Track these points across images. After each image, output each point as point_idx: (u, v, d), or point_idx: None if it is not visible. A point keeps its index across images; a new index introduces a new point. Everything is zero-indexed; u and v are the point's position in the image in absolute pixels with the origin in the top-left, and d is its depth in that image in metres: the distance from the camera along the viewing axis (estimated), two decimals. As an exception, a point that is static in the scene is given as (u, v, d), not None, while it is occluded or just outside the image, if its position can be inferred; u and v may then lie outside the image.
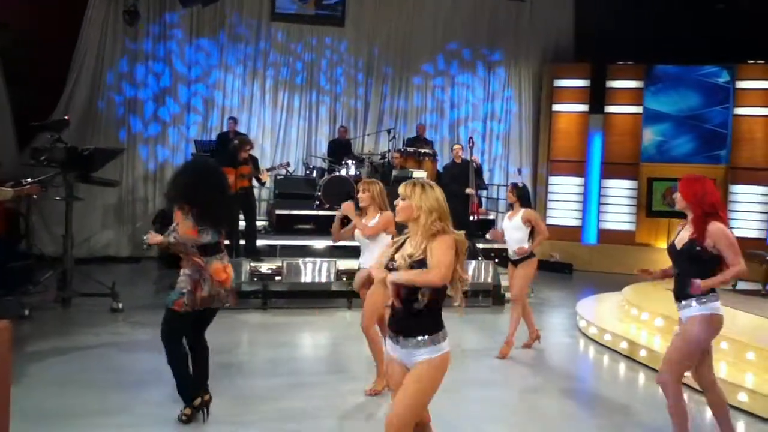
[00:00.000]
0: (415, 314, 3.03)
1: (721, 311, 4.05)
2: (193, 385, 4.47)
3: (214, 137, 11.76)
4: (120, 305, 7.65)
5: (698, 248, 3.98)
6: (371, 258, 4.81)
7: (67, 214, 7.85)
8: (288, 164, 10.61)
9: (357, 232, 5.20)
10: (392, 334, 3.14)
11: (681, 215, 4.30)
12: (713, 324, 4.02)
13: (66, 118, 8.38)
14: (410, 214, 3.14)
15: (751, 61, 12.10)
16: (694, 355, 4.06)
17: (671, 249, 4.18)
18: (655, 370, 6.09)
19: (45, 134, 8.29)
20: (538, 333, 6.92)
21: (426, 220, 3.10)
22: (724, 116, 12.30)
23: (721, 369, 5.69)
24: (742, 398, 5.15)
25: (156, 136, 12.00)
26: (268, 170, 9.59)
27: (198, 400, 4.45)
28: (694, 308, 4.02)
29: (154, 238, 4.39)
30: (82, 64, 11.20)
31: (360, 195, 5.26)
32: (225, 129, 11.45)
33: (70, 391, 5.01)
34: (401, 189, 3.21)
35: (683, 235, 4.12)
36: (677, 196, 4.13)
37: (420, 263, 3.03)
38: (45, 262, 9.03)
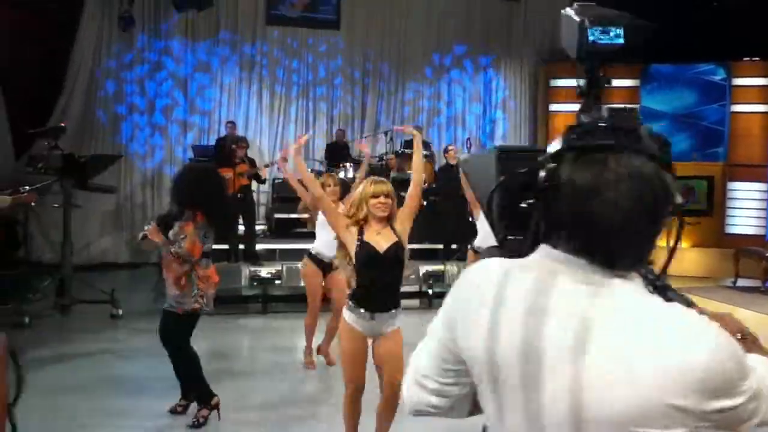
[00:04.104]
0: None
1: None
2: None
3: (212, 142, 11.74)
4: (119, 311, 7.63)
5: None
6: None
7: (66, 221, 7.83)
8: (285, 159, 10.67)
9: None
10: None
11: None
12: None
13: (63, 125, 8.38)
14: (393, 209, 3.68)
15: (747, 59, 12.12)
16: None
17: None
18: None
19: (42, 141, 8.27)
20: None
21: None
22: (720, 114, 12.31)
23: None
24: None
25: (153, 142, 11.98)
26: (266, 166, 9.68)
27: (215, 399, 4.56)
28: None
29: (155, 234, 4.45)
30: (78, 70, 11.19)
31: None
32: (223, 133, 11.43)
33: (70, 399, 4.99)
34: (384, 188, 3.64)
35: None
36: None
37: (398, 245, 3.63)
38: (43, 270, 9.01)
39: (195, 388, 4.58)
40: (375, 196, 3.61)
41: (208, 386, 4.58)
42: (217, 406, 4.56)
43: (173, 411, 4.69)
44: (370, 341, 3.73)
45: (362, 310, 3.59)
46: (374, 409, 3.84)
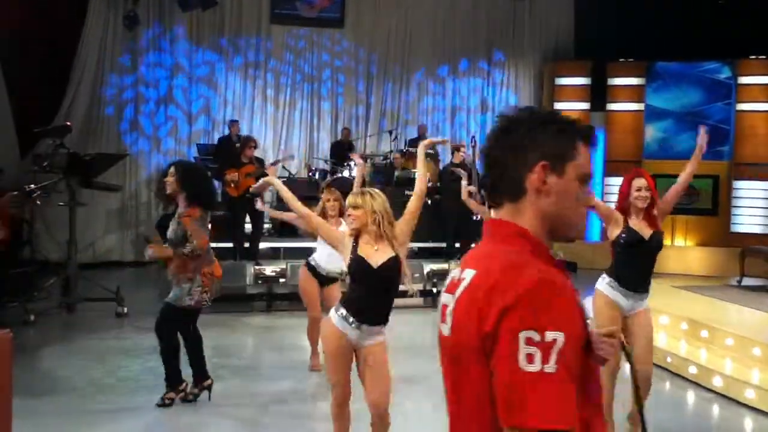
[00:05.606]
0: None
1: None
2: (178, 373, 4.79)
3: (215, 141, 11.75)
4: (125, 309, 7.65)
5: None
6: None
7: (71, 220, 7.86)
8: (292, 156, 10.79)
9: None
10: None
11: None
12: None
13: (68, 123, 8.39)
14: (365, 221, 3.50)
15: (753, 57, 12.07)
16: None
17: (640, 241, 4.09)
18: (662, 368, 6.09)
19: (47, 140, 8.30)
20: None
21: (382, 223, 3.49)
22: (726, 112, 12.26)
23: (727, 365, 5.68)
24: (749, 395, 5.13)
25: (158, 141, 12.00)
26: (272, 164, 9.65)
27: (183, 385, 4.78)
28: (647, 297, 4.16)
29: (158, 251, 4.58)
30: (83, 69, 11.22)
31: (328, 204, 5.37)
32: (226, 132, 11.45)
33: (76, 396, 5.01)
34: (351, 200, 3.54)
35: (636, 227, 4.11)
36: (648, 193, 4.16)
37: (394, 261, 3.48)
38: (49, 268, 9.03)
39: (166, 370, 4.76)
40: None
41: (179, 374, 4.77)
42: (205, 389, 4.81)
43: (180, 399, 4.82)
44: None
45: (351, 318, 3.50)
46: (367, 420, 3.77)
